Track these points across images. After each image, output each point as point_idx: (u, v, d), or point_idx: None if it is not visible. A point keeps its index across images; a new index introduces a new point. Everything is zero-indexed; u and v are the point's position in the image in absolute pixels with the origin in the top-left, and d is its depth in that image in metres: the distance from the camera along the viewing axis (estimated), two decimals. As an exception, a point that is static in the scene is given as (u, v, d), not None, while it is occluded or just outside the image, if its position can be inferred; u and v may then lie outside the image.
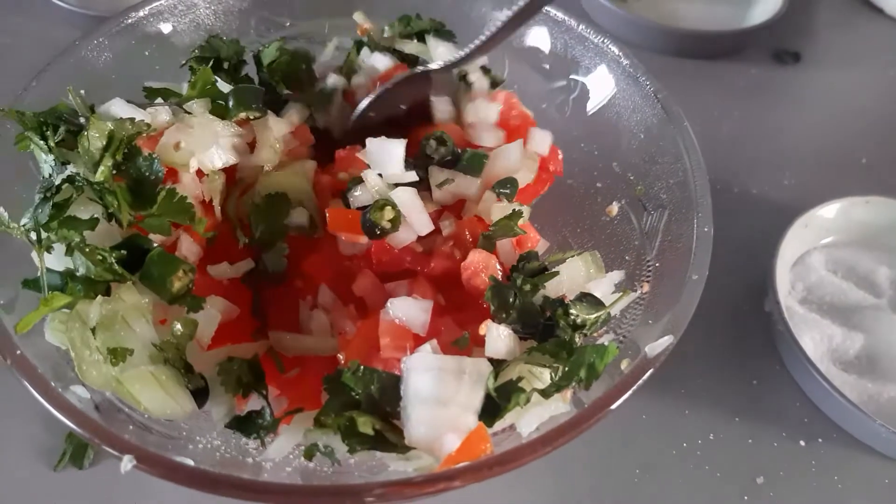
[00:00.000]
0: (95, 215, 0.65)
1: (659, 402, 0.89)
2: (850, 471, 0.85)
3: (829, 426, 0.88)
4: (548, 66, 0.93)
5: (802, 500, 0.83)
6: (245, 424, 0.65)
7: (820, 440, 0.87)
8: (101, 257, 0.63)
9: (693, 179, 0.74)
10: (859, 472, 0.85)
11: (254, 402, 0.67)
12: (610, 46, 0.87)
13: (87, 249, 0.63)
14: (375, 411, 0.57)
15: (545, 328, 0.67)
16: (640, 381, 0.59)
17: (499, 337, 0.64)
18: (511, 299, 0.66)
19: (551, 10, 0.91)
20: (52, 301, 0.62)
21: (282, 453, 0.63)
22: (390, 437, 0.56)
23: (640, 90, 0.84)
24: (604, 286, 0.73)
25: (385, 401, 0.57)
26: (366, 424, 0.55)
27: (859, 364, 0.92)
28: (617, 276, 0.75)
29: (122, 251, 0.64)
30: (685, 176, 0.75)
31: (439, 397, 0.55)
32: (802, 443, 0.87)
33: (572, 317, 0.65)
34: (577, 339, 0.66)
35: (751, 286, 1.01)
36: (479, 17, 0.95)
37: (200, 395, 0.64)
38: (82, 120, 0.69)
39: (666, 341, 0.61)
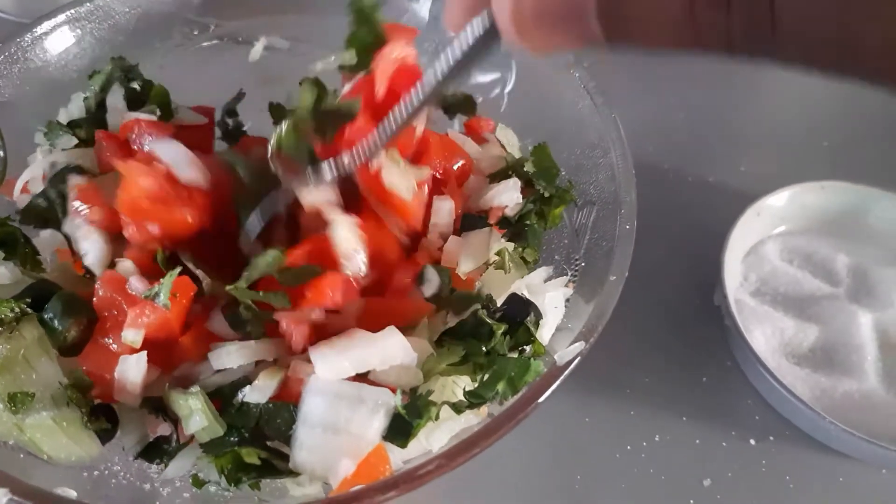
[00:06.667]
0: None
1: (602, 402, 0.86)
2: (802, 470, 0.81)
3: (781, 423, 0.85)
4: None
5: (751, 501, 0.79)
6: (152, 452, 0.63)
7: (771, 438, 0.84)
8: None
9: (618, 174, 0.70)
10: (812, 470, 0.82)
11: (162, 428, 0.64)
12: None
13: None
14: (260, 441, 0.54)
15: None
16: (549, 391, 0.56)
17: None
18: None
19: None
20: None
21: (180, 472, 0.60)
22: (278, 463, 0.53)
23: (569, 81, 0.80)
24: (536, 278, 0.70)
25: (273, 428, 0.54)
26: (251, 455, 0.52)
27: (813, 357, 0.88)
28: (544, 272, 0.72)
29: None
30: (612, 170, 0.72)
31: (328, 423, 0.52)
32: (753, 441, 0.84)
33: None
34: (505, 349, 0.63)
35: (702, 279, 0.97)
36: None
37: (106, 432, 0.62)
38: None
39: (577, 348, 0.58)
